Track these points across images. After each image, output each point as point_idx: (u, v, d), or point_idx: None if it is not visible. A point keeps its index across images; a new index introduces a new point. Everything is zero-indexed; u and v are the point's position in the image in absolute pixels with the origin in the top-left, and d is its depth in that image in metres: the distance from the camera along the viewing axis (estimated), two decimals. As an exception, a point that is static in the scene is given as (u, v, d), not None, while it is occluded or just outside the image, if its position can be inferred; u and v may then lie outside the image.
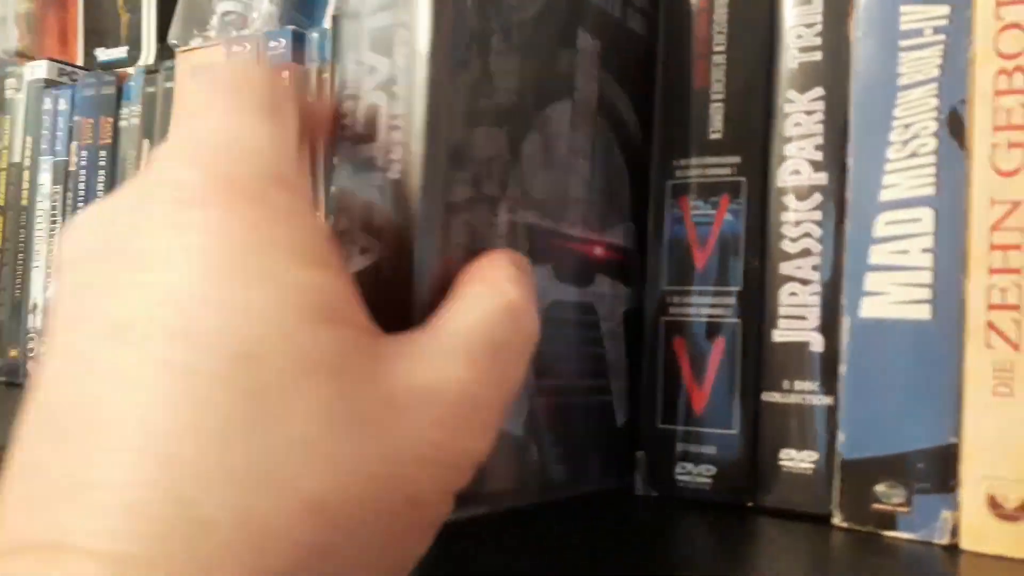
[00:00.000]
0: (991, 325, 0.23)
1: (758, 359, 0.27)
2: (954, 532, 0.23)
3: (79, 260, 0.14)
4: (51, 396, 0.13)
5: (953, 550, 0.23)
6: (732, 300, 0.28)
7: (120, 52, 0.70)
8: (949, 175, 0.24)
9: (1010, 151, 0.23)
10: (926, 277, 0.24)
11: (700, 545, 0.25)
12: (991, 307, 0.23)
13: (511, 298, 0.17)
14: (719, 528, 0.26)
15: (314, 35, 0.41)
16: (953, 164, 0.24)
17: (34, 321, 0.55)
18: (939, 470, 0.23)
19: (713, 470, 0.28)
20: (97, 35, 0.72)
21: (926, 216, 0.24)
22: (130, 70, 0.59)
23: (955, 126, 0.24)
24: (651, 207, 0.29)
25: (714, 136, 0.28)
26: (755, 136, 0.28)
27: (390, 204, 0.19)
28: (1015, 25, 0.23)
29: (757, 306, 0.27)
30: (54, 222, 0.54)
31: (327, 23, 0.53)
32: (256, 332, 0.13)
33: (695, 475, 0.28)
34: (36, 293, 0.54)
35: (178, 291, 0.13)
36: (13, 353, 0.55)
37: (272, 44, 0.42)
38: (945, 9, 0.24)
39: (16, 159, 0.56)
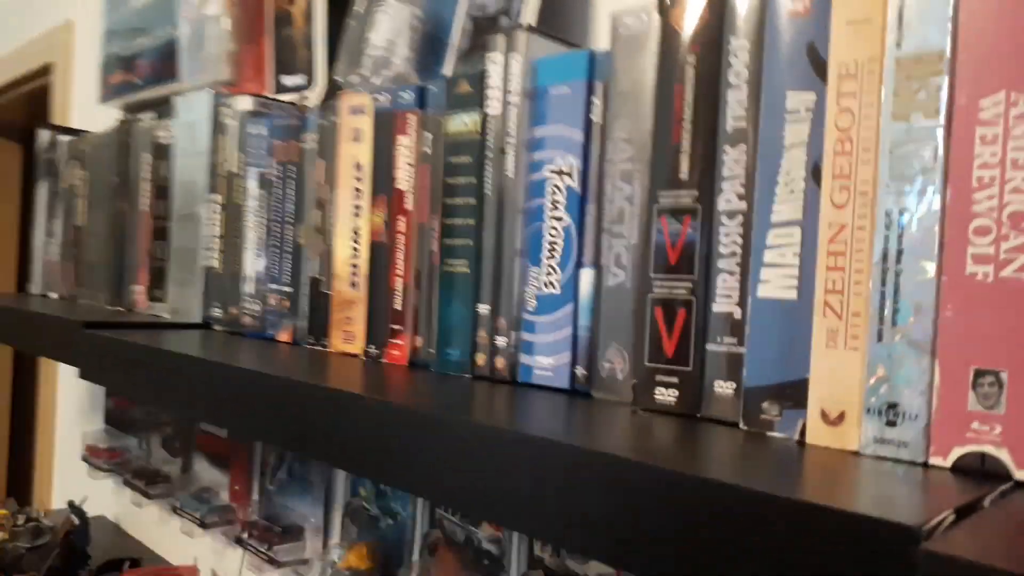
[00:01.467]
0: (826, 303, 0.36)
1: (704, 322, 0.41)
2: (803, 432, 0.37)
3: None
4: None
5: (802, 444, 0.37)
6: (690, 284, 0.42)
7: (300, 79, 0.90)
8: (811, 206, 0.37)
9: (841, 192, 0.36)
10: (795, 272, 0.37)
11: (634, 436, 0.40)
12: (827, 291, 0.36)
13: None
14: (676, 428, 0.41)
15: (433, 89, 0.58)
16: (813, 199, 0.37)
17: (246, 287, 0.76)
18: (798, 394, 0.37)
19: (676, 393, 0.43)
20: (282, 64, 0.93)
21: (796, 232, 0.37)
22: (308, 102, 0.79)
23: (816, 175, 0.37)
24: (641, 224, 0.44)
25: (682, 176, 0.42)
26: (707, 176, 0.41)
27: None
28: (847, 110, 0.36)
29: (705, 287, 0.41)
30: (259, 217, 0.75)
31: (447, 68, 0.70)
32: None
33: (666, 396, 0.43)
34: (248, 267, 0.76)
35: None
36: (233, 311, 0.77)
37: (400, 95, 0.59)
38: (812, 96, 0.37)
39: (233, 169, 0.77)
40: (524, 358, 0.50)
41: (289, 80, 0.91)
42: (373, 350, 0.62)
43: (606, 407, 0.44)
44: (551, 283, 0.49)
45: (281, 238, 0.73)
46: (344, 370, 0.58)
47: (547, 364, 0.49)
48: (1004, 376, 0.31)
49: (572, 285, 0.48)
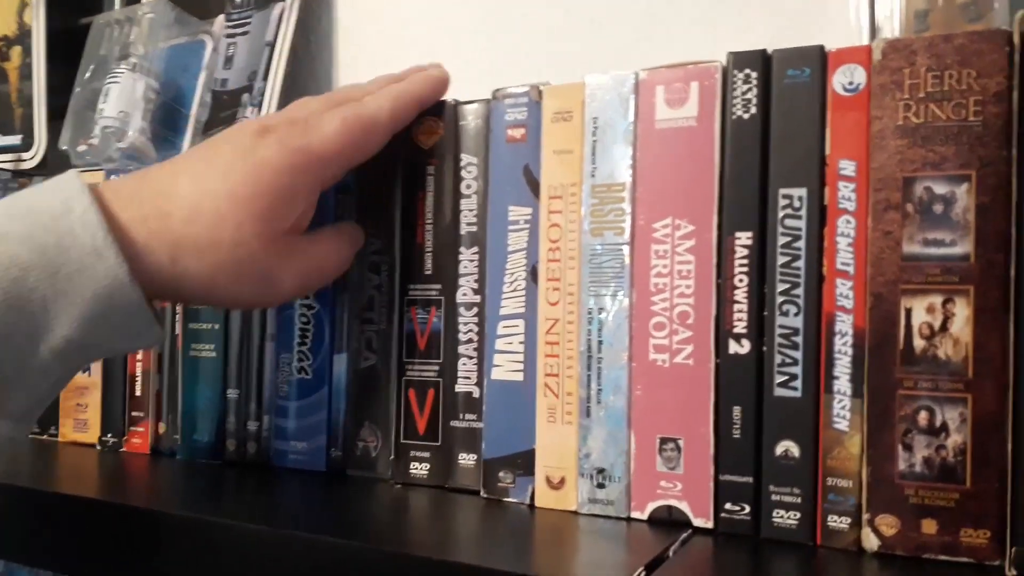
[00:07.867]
0: (546, 385, 0.43)
1: (449, 401, 0.46)
2: (533, 496, 0.43)
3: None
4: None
5: (532, 507, 0.43)
6: (437, 367, 0.47)
7: (15, 140, 0.83)
8: (531, 302, 0.44)
9: (553, 292, 0.43)
10: (521, 357, 0.44)
11: (387, 511, 0.44)
12: (546, 374, 0.43)
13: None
14: (415, 502, 0.45)
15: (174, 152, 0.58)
16: (533, 296, 0.43)
17: None
18: (527, 463, 0.43)
19: (428, 467, 0.47)
20: (-9, 123, 0.85)
21: (520, 324, 0.44)
22: (25, 165, 0.73)
23: (534, 275, 0.44)
24: (394, 314, 0.48)
25: (427, 272, 0.47)
26: (448, 273, 0.47)
27: None
28: (556, 224, 0.43)
29: (449, 371, 0.46)
30: None
31: (186, 141, 0.69)
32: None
33: (419, 470, 0.47)
34: None
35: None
36: None
37: (131, 167, 0.58)
38: (529, 210, 0.44)
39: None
40: (278, 443, 0.51)
41: (3, 140, 0.84)
42: (110, 439, 0.59)
43: (364, 484, 0.48)
44: (304, 368, 0.51)
45: None
46: (79, 463, 0.56)
47: (301, 448, 0.51)
48: (681, 442, 0.40)
49: (326, 370, 0.50)
